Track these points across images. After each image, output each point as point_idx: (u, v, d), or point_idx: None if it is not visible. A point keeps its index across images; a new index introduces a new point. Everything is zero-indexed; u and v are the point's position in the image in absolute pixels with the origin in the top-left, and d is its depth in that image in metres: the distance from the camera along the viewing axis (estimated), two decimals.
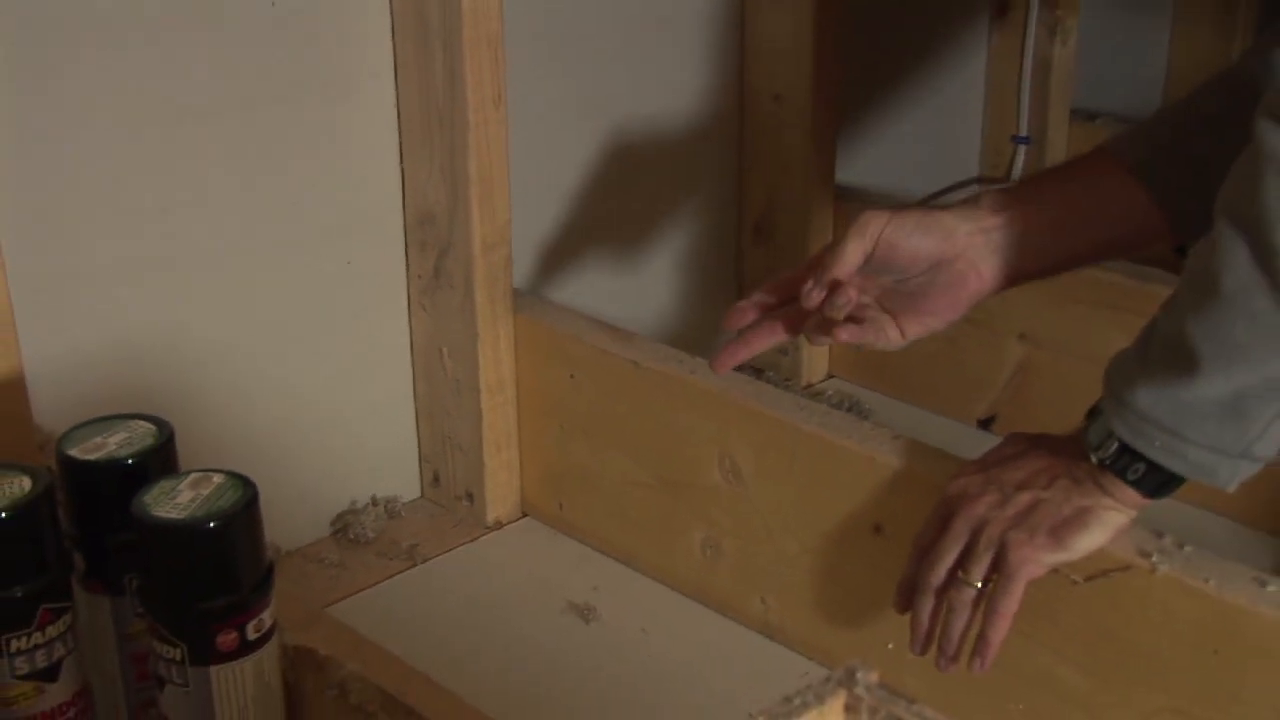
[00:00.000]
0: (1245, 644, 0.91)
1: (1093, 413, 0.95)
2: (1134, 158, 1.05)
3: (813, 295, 1.03)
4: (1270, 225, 0.84)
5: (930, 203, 1.78)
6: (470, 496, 1.37)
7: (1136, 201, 1.04)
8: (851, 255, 1.03)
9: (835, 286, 1.03)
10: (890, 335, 1.06)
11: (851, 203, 1.58)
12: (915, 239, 1.03)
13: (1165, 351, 0.90)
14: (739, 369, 1.13)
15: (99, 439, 0.89)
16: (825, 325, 1.06)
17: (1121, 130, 1.09)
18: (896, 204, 1.06)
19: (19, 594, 0.83)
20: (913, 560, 1.01)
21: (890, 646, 1.09)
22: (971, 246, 1.04)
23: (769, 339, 1.10)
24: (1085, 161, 1.07)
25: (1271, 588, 0.91)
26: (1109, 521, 0.94)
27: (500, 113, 1.24)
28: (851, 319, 1.05)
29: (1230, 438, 0.88)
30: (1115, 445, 0.91)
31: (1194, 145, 1.04)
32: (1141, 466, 0.91)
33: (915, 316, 1.05)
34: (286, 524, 1.29)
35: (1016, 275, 1.05)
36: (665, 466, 1.25)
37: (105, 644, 0.91)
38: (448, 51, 1.22)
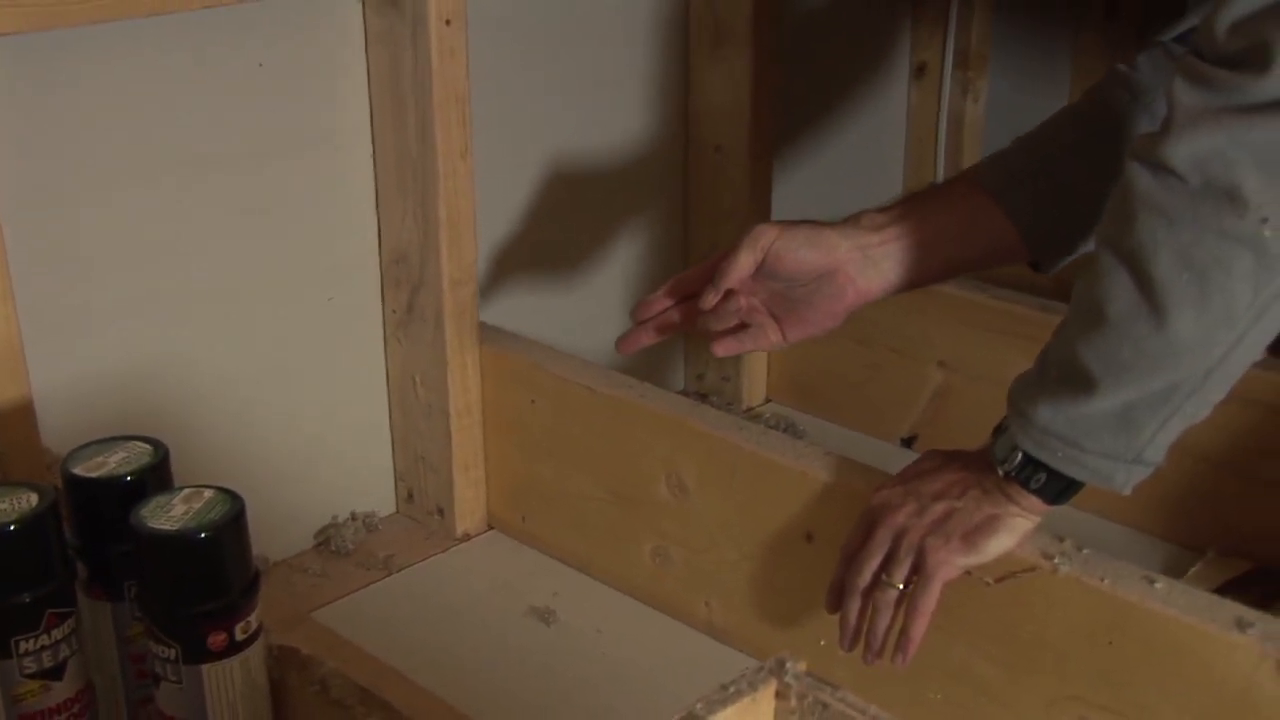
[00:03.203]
0: (1136, 636, 0.92)
1: (999, 430, 0.96)
2: (994, 184, 1.08)
3: (708, 299, 1.08)
4: (1147, 258, 0.85)
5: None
6: (441, 511, 1.37)
7: (995, 224, 1.07)
8: (743, 264, 1.07)
9: (728, 296, 1.08)
10: (772, 339, 1.10)
11: None
12: (802, 252, 1.06)
13: (1061, 372, 0.91)
14: (683, 393, 1.14)
15: (100, 458, 0.89)
16: (712, 332, 1.10)
17: (986, 157, 1.12)
18: (787, 220, 1.09)
19: (27, 599, 0.83)
20: (841, 565, 1.02)
21: (822, 643, 1.08)
22: (851, 262, 1.07)
23: (669, 330, 1.14)
24: (953, 186, 1.11)
25: (1159, 585, 0.92)
26: (1016, 527, 0.95)
27: (467, 163, 1.24)
28: (740, 325, 1.10)
29: (1123, 445, 0.89)
30: (1019, 457, 0.92)
31: (1048, 174, 1.08)
32: (1043, 475, 0.92)
33: (798, 323, 1.09)
34: (273, 537, 1.29)
35: (890, 288, 1.08)
36: (618, 482, 1.25)
37: (106, 645, 0.91)
38: (419, 109, 1.22)
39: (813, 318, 1.08)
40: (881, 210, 1.09)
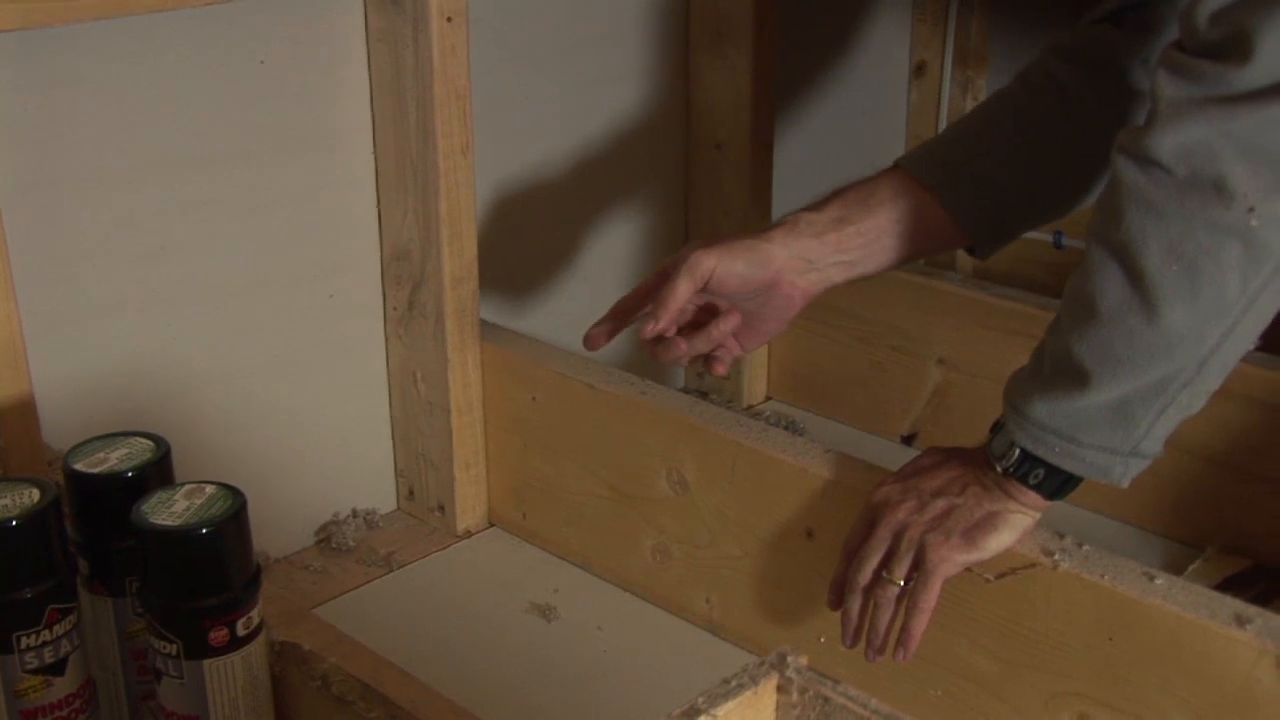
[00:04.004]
0: (1136, 632, 0.92)
1: (996, 427, 0.96)
2: (929, 176, 1.08)
3: (647, 329, 1.06)
4: (1137, 251, 0.85)
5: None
6: (442, 508, 1.37)
7: (933, 216, 1.08)
8: (681, 292, 1.05)
9: (660, 339, 1.07)
10: (732, 353, 1.11)
11: None
12: (740, 269, 1.06)
13: (1056, 367, 0.91)
14: (684, 391, 1.14)
15: (102, 454, 0.89)
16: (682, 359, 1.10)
17: (916, 149, 1.12)
18: (722, 238, 1.09)
19: (29, 595, 0.83)
20: (842, 562, 1.02)
21: (822, 640, 1.09)
22: (791, 269, 1.07)
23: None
24: (885, 180, 1.10)
25: (1159, 581, 0.92)
26: (1016, 524, 0.95)
27: (468, 160, 1.24)
28: (708, 357, 1.10)
29: (1119, 438, 0.89)
30: (1017, 453, 0.93)
31: (981, 162, 1.08)
32: (1041, 471, 0.92)
33: (751, 334, 1.11)
34: (275, 534, 1.29)
35: (833, 285, 1.09)
36: (618, 479, 1.25)
37: (108, 641, 0.91)
38: (420, 106, 1.22)
39: (764, 327, 1.10)
40: (817, 209, 1.09)
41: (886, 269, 1.10)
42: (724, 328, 1.09)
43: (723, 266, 1.05)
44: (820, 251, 1.07)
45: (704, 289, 1.06)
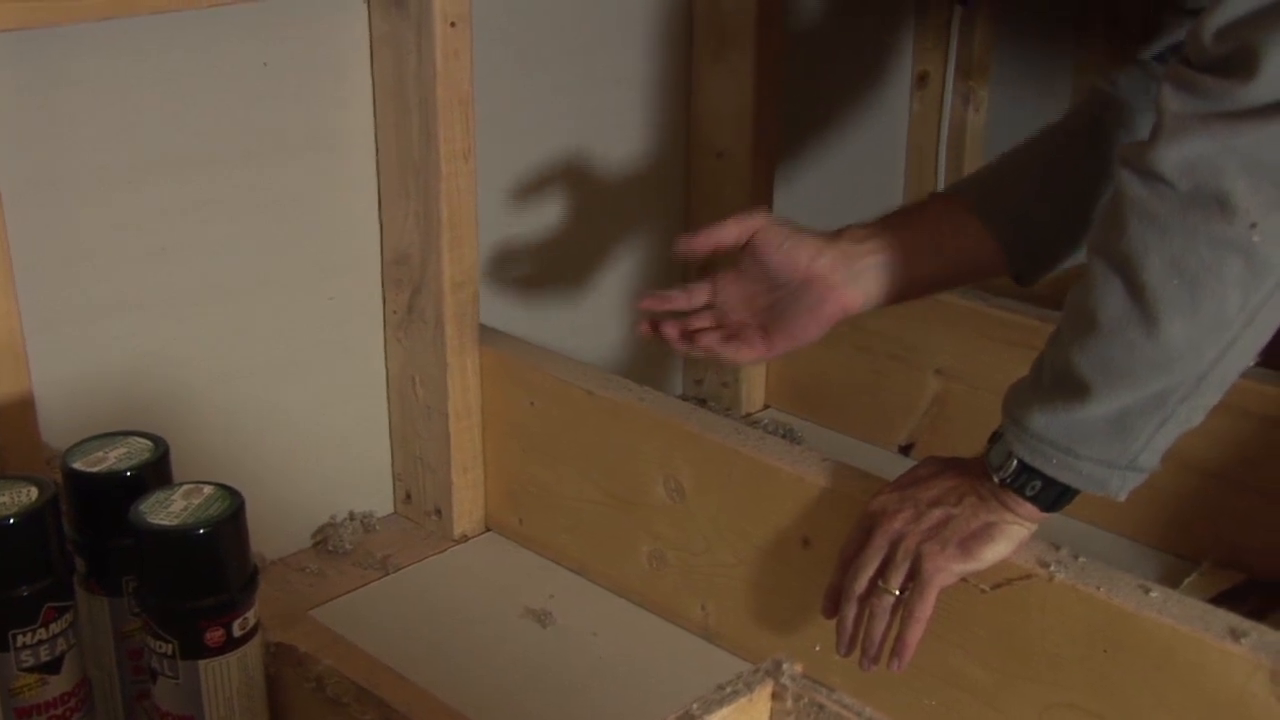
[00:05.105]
0: (1131, 644, 0.92)
1: (994, 437, 0.96)
2: (974, 200, 1.10)
3: (680, 243, 1.12)
4: (1138, 264, 0.86)
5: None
6: (439, 512, 1.37)
7: (976, 238, 1.10)
8: (729, 230, 1.11)
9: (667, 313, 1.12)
10: (758, 349, 1.12)
11: None
12: (788, 246, 1.09)
13: (1055, 379, 0.91)
14: (682, 398, 1.14)
15: (100, 453, 0.89)
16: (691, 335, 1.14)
17: (966, 176, 1.14)
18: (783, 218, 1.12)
19: (25, 593, 0.83)
20: (838, 570, 1.02)
21: (818, 648, 1.09)
22: (833, 270, 1.09)
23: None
24: (933, 202, 1.14)
25: (1154, 594, 0.92)
26: (1012, 535, 0.95)
27: (469, 165, 1.25)
28: (729, 335, 1.12)
29: (1117, 451, 0.90)
30: (1015, 464, 0.93)
31: (1028, 189, 1.10)
32: (1039, 483, 0.92)
33: (781, 333, 1.11)
34: (271, 536, 1.29)
35: (871, 302, 1.11)
36: (615, 485, 1.25)
37: (104, 640, 0.91)
38: (423, 110, 1.22)
39: (795, 328, 1.10)
40: (863, 225, 1.11)
41: (928, 291, 1.12)
42: (712, 339, 1.12)
43: (772, 230, 1.10)
44: (861, 260, 1.09)
45: (748, 248, 1.10)
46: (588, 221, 1.52)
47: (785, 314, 1.10)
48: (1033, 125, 1.17)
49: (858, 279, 1.09)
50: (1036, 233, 1.09)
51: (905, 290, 1.10)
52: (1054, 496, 0.93)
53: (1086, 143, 1.10)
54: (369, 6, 1.23)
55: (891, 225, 1.11)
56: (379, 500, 1.40)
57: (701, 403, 1.61)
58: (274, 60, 1.19)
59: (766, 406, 1.66)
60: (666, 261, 1.62)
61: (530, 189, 1.46)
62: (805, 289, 1.08)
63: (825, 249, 1.09)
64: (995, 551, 0.95)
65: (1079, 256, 1.11)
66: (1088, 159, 1.09)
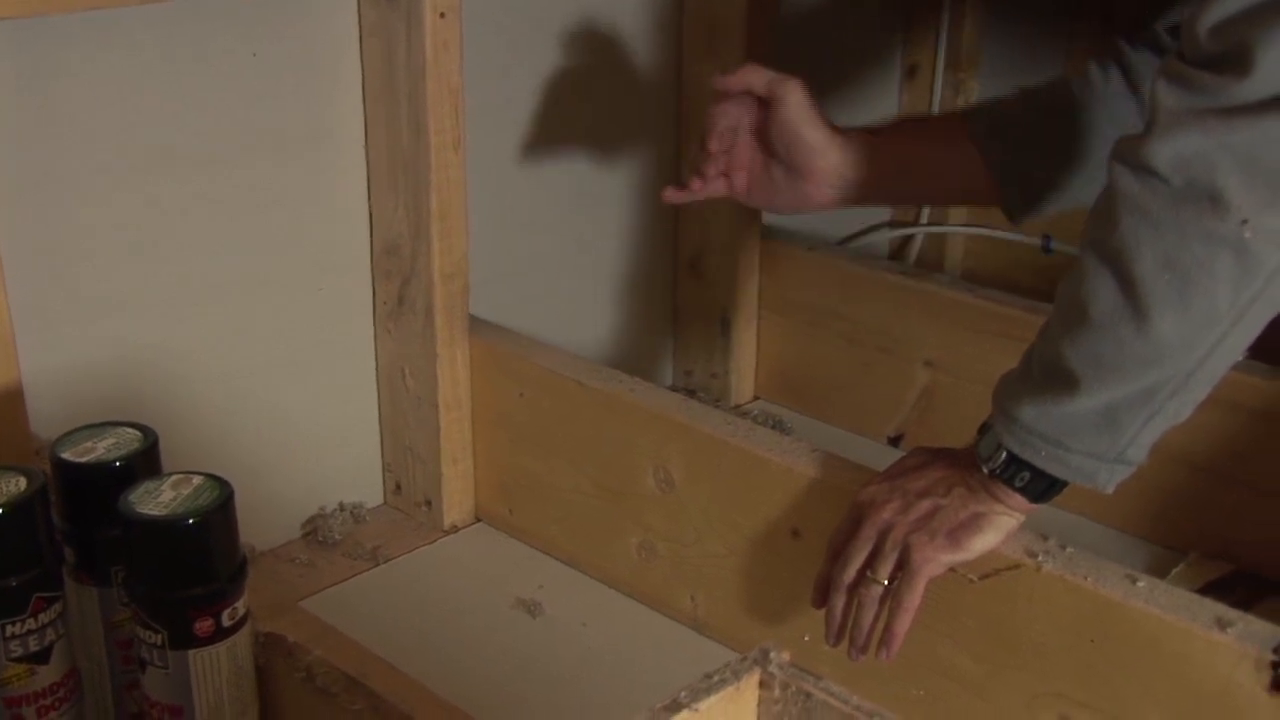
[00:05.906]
0: (1119, 633, 0.92)
1: (983, 428, 0.96)
2: (978, 130, 1.15)
3: (715, 79, 1.19)
4: (1130, 259, 0.86)
5: (847, 243, 1.80)
6: (429, 503, 1.37)
7: (972, 166, 1.15)
8: (754, 74, 1.16)
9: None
10: (736, 188, 1.21)
11: (775, 243, 1.60)
12: (804, 128, 1.15)
13: (1045, 372, 0.91)
14: (671, 389, 1.15)
15: (89, 443, 0.89)
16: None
17: (983, 101, 1.18)
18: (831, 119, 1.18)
19: (14, 583, 0.83)
20: (827, 561, 1.02)
21: (806, 639, 1.09)
22: (830, 171, 1.16)
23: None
24: (942, 122, 1.19)
25: (1141, 584, 0.93)
26: (1000, 525, 0.96)
27: (459, 156, 1.25)
28: (724, 175, 1.20)
29: (1106, 444, 0.90)
30: (1004, 456, 0.93)
31: (1032, 131, 1.14)
32: (1027, 474, 0.93)
33: (761, 193, 1.21)
34: (261, 526, 1.29)
35: (855, 203, 1.19)
36: (605, 476, 1.25)
37: (93, 630, 0.91)
38: (413, 101, 1.22)
39: (776, 201, 1.20)
40: (871, 130, 1.18)
41: (918, 202, 1.18)
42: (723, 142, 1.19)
43: (798, 107, 1.14)
44: (860, 166, 1.16)
45: (769, 102, 1.15)
46: (577, 213, 1.52)
47: (775, 184, 1.18)
48: None
49: (848, 191, 1.16)
50: (1030, 176, 1.13)
51: (891, 200, 1.16)
52: (1043, 488, 0.93)
53: (1093, 96, 1.13)
54: None
55: (895, 137, 1.17)
56: (369, 491, 1.40)
57: (691, 394, 1.61)
58: (263, 52, 1.19)
59: (756, 398, 1.66)
60: (656, 254, 1.62)
61: (520, 180, 1.46)
62: (801, 179, 1.16)
63: (830, 151, 1.15)
64: (984, 542, 0.96)
65: (1073, 203, 1.16)
66: (1092, 110, 1.12)
